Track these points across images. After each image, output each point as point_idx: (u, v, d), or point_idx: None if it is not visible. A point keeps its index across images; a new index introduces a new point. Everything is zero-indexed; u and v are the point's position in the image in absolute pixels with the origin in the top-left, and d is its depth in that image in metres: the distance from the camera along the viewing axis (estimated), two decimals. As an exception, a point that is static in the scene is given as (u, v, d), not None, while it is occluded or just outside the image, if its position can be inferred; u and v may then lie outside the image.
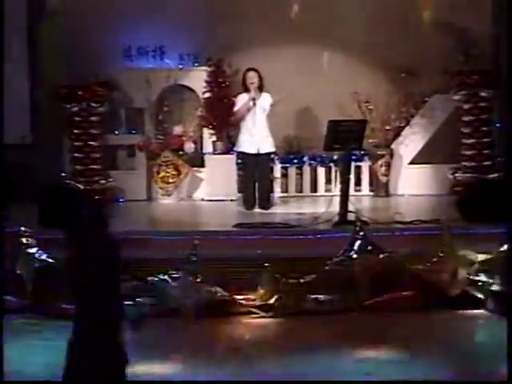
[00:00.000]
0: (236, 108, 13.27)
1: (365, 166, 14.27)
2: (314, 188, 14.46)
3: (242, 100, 13.12)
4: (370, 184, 14.37)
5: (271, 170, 13.74)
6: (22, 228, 10.53)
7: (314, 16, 14.23)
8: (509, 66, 9.92)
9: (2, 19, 12.43)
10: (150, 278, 9.89)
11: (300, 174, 14.47)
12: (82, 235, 5.72)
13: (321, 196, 14.14)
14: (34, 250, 10.32)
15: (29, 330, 9.40)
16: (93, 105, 13.58)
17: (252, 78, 13.01)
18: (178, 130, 14.43)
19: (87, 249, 5.60)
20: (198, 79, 14.33)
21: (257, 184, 13.21)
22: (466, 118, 13.65)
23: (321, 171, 14.39)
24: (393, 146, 14.24)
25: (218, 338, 9.29)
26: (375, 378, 7.85)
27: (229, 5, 14.11)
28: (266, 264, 10.23)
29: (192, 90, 14.51)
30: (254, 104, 12.87)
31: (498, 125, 13.61)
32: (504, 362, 6.81)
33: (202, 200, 14.12)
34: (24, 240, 10.38)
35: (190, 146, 14.34)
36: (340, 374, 8.05)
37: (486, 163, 13.50)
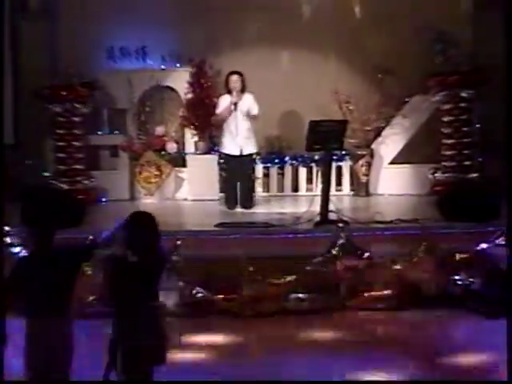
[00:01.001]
0: (218, 110, 13.24)
1: (345, 165, 14.31)
2: (296, 188, 14.49)
3: (224, 101, 13.09)
4: (351, 184, 14.40)
5: (253, 170, 13.75)
6: (6, 228, 10.50)
7: (296, 20, 14.24)
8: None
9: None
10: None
11: (281, 174, 14.50)
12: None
13: (302, 196, 14.16)
14: (17, 250, 10.27)
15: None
16: (76, 105, 13.57)
17: (235, 81, 12.98)
18: (160, 130, 14.43)
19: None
20: (180, 80, 14.33)
21: (239, 184, 13.21)
22: (445, 119, 13.69)
23: (302, 171, 14.42)
24: (373, 146, 14.27)
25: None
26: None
27: (212, 6, 14.08)
28: (248, 264, 10.25)
29: (174, 91, 14.51)
30: (236, 108, 12.86)
31: (477, 125, 13.62)
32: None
33: (185, 200, 14.12)
34: (8, 239, 10.34)
35: (172, 147, 14.33)
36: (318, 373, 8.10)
37: (465, 163, 13.54)
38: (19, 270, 6.43)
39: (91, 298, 9.55)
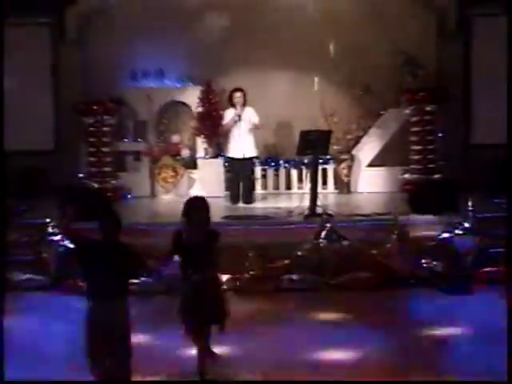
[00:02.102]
0: (224, 122, 13.26)
1: (330, 168, 14.27)
2: (289, 186, 14.45)
3: (229, 114, 13.11)
4: (335, 183, 14.37)
5: (253, 171, 13.73)
6: (47, 219, 10.52)
7: (289, 45, 14.21)
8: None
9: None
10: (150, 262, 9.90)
11: (277, 175, 14.46)
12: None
13: (294, 193, 14.12)
14: (57, 238, 10.30)
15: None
16: (105, 117, 13.56)
17: (238, 97, 13.00)
18: (175, 138, 14.43)
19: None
20: (191, 96, 14.31)
21: (241, 183, 13.22)
22: (414, 129, 13.67)
23: (294, 172, 14.38)
24: (353, 152, 14.25)
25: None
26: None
27: (217, 34, 14.09)
28: (249, 249, 10.27)
29: (187, 106, 14.49)
30: (240, 119, 12.90)
31: (440, 134, 13.62)
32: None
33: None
34: (49, 229, 10.36)
35: (185, 152, 14.34)
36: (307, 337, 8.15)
37: (430, 166, 13.52)
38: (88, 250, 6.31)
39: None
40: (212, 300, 6.61)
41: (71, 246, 10.15)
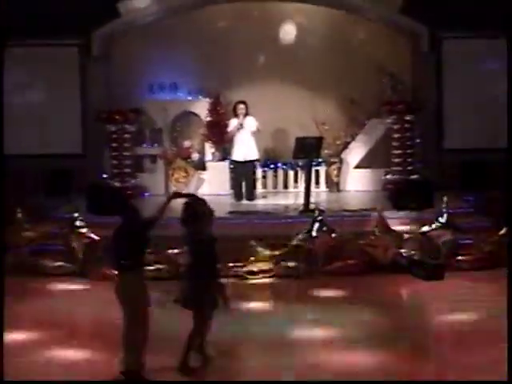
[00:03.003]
0: (229, 129, 13.24)
1: (322, 169, 14.18)
2: (286, 186, 14.36)
3: (233, 123, 13.09)
4: (326, 183, 14.29)
5: (254, 172, 13.66)
6: (76, 214, 10.51)
7: (286, 61, 14.15)
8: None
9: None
10: (168, 251, 9.91)
11: (275, 176, 14.37)
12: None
13: (290, 192, 14.04)
14: (84, 230, 10.28)
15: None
16: (126, 126, 13.51)
17: (241, 108, 12.98)
18: (187, 143, 14.37)
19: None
20: (201, 108, 14.26)
21: (244, 183, 13.19)
22: (394, 136, 13.62)
23: (290, 173, 14.29)
24: (342, 156, 14.20)
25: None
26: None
27: (224, 54, 14.05)
28: (251, 240, 10.26)
29: (197, 115, 14.42)
30: (242, 127, 12.90)
31: (417, 140, 13.59)
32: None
33: (204, 195, 14.01)
34: (77, 223, 10.34)
35: (195, 155, 14.28)
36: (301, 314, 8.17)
37: (408, 168, 13.47)
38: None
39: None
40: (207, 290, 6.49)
41: (96, 237, 10.24)
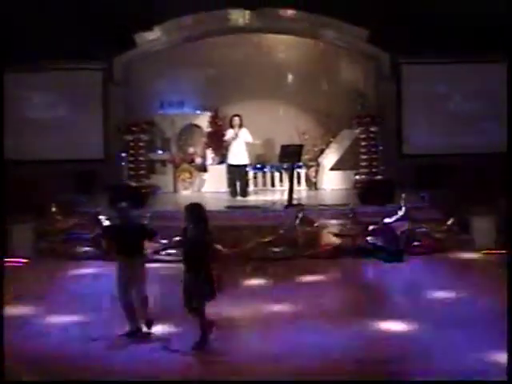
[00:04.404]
0: (225, 138, 13.24)
1: (302, 171, 14.14)
2: (273, 184, 14.32)
3: (229, 133, 13.08)
4: (306, 182, 14.26)
5: (247, 174, 13.62)
6: (99, 208, 10.50)
7: (273, 82, 14.12)
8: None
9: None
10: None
11: (264, 176, 14.34)
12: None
13: (277, 190, 14.00)
14: (107, 223, 10.25)
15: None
16: (141, 136, 13.44)
17: (236, 120, 12.97)
18: (191, 150, 14.33)
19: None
20: (203, 120, 14.23)
21: (238, 182, 13.18)
22: (362, 144, 13.59)
23: (276, 175, 14.25)
24: (319, 160, 14.18)
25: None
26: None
27: (221, 76, 14.00)
28: (245, 229, 10.28)
29: (199, 127, 14.40)
30: (237, 136, 12.89)
31: (380, 147, 13.59)
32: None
33: (206, 192, 14.05)
34: (101, 216, 10.32)
35: (198, 160, 14.25)
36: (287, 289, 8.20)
37: (373, 170, 13.45)
38: (108, 229, 7.13)
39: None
40: (203, 281, 6.36)
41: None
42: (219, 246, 8.24)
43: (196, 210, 6.58)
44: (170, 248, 8.43)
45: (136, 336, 6.65)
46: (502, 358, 5.78)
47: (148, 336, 6.71)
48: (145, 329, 6.76)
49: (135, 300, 6.68)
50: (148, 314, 6.77)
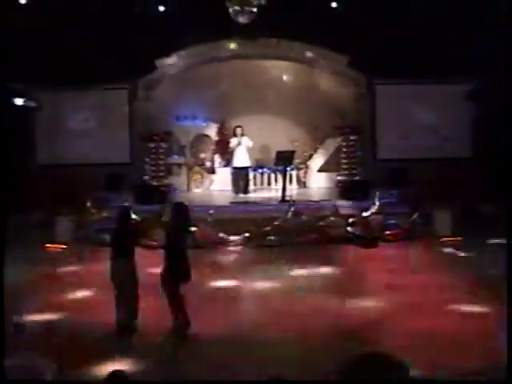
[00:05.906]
0: (230, 145, 13.24)
1: (294, 173, 14.12)
2: (269, 184, 14.29)
3: (233, 141, 13.08)
4: (297, 182, 14.26)
5: (248, 175, 13.58)
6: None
7: (270, 99, 14.04)
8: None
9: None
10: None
11: (262, 177, 14.31)
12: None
13: (273, 188, 13.96)
14: (133, 216, 10.18)
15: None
16: (160, 143, 13.38)
17: (238, 130, 12.97)
18: (202, 155, 14.31)
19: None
20: (212, 131, 14.22)
21: (241, 182, 13.17)
22: (343, 150, 13.46)
23: (272, 176, 14.20)
24: (308, 163, 14.17)
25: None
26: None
27: (227, 94, 13.96)
28: (246, 221, 10.27)
29: (209, 136, 14.39)
30: (240, 144, 12.90)
31: (359, 153, 13.51)
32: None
33: (214, 190, 14.04)
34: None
35: (207, 163, 14.22)
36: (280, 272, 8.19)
37: (353, 172, 13.35)
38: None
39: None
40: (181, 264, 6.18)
41: (139, 219, 10.18)
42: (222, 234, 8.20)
43: (178, 206, 6.59)
44: None
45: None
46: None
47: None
48: None
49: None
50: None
